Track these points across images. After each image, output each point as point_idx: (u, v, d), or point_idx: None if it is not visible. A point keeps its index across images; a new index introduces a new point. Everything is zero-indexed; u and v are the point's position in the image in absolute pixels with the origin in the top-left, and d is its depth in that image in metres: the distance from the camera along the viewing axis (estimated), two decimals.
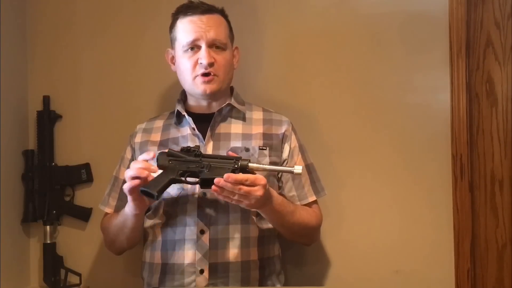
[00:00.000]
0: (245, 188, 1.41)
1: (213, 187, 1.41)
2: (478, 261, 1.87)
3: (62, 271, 1.93)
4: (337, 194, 1.88)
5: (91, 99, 1.98)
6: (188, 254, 1.56)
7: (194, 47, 1.60)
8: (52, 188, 1.93)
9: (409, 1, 1.88)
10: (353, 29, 1.91)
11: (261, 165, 1.48)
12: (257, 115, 1.71)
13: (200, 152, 1.50)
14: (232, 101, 1.68)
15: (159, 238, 1.61)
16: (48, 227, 1.93)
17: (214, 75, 1.60)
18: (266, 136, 1.65)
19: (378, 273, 1.87)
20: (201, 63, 1.59)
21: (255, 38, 1.94)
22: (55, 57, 1.99)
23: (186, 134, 1.65)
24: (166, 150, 1.53)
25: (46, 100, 1.96)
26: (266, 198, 1.48)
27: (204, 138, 1.63)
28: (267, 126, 1.68)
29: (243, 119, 1.68)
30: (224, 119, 1.67)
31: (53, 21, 1.99)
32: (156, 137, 1.68)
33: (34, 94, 1.97)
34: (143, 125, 1.74)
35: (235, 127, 1.66)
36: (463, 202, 1.84)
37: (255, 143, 1.63)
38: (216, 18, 1.62)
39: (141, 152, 1.66)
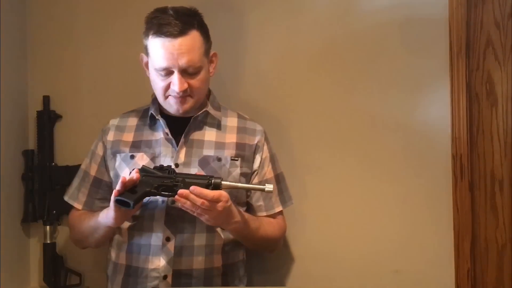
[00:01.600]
0: (207, 203, 1.42)
1: (176, 196, 1.42)
2: (478, 261, 1.87)
3: (62, 271, 1.93)
4: (337, 193, 1.88)
5: (91, 99, 1.98)
6: (152, 260, 1.57)
7: (166, 72, 1.56)
8: (52, 188, 1.93)
9: (409, 2, 1.88)
10: (352, 29, 1.91)
11: (234, 183, 1.49)
12: (231, 122, 1.69)
13: (174, 170, 1.50)
14: (209, 108, 1.66)
15: (126, 240, 1.61)
16: (48, 227, 1.93)
17: (188, 96, 1.59)
18: (239, 146, 1.65)
19: (378, 273, 1.87)
20: (173, 89, 1.56)
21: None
22: (55, 57, 1.99)
23: (159, 138, 1.64)
24: (140, 167, 1.52)
25: (46, 100, 1.96)
26: (227, 216, 1.48)
27: (177, 143, 1.62)
28: (240, 135, 1.67)
29: (218, 127, 1.67)
30: (198, 126, 1.66)
31: (53, 21, 1.99)
32: (129, 137, 1.67)
33: (34, 94, 1.97)
34: (116, 121, 1.72)
35: (209, 134, 1.65)
36: (463, 202, 1.84)
37: (228, 153, 1.63)
38: (189, 39, 1.53)
39: (112, 152, 1.67)
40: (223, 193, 1.44)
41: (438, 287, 1.86)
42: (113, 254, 1.65)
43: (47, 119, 1.94)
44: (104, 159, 1.69)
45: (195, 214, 1.46)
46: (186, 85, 1.56)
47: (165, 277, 1.56)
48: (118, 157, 1.65)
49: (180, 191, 1.42)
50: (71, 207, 1.98)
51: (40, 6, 1.99)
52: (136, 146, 1.65)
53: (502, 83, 1.87)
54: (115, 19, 1.98)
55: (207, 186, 1.45)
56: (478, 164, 1.88)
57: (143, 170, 1.50)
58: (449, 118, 1.85)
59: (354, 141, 1.90)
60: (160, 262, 1.56)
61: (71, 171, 1.94)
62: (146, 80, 1.94)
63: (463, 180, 1.85)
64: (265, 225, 1.64)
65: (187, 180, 1.46)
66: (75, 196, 1.71)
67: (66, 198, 1.74)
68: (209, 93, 1.72)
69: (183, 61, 1.53)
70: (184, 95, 1.58)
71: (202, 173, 1.54)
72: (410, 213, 1.87)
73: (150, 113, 1.66)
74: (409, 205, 1.87)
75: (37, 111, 1.95)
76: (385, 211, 1.88)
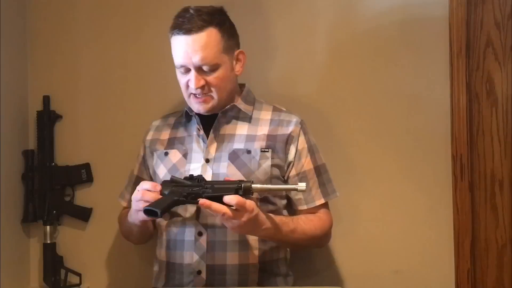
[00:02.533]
0: (229, 213, 1.39)
1: (200, 202, 1.40)
2: (478, 261, 1.87)
3: (62, 271, 1.93)
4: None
5: (91, 99, 1.98)
6: (186, 255, 1.57)
7: (185, 69, 1.57)
8: (52, 188, 1.93)
9: (410, 2, 1.88)
10: (355, 30, 1.91)
11: (265, 186, 1.47)
12: (265, 115, 1.68)
13: (204, 178, 1.48)
14: (238, 102, 1.65)
15: (164, 237, 1.63)
16: (48, 227, 1.92)
17: (207, 94, 1.58)
18: (270, 137, 1.63)
19: (378, 273, 1.87)
20: (190, 86, 1.57)
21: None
22: (55, 57, 1.99)
23: (192, 134, 1.66)
24: (169, 179, 1.51)
25: (46, 100, 1.95)
26: (254, 225, 1.45)
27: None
28: (273, 127, 1.65)
29: (249, 120, 1.66)
30: (229, 120, 1.65)
31: (53, 21, 1.99)
32: (165, 135, 1.70)
33: (34, 94, 1.97)
34: (157, 122, 1.76)
35: (240, 128, 1.65)
36: (463, 202, 1.84)
37: (258, 145, 1.61)
38: (203, 36, 1.53)
39: (151, 150, 1.69)
40: (247, 202, 1.40)
41: (438, 287, 1.86)
42: (157, 252, 1.67)
43: (47, 119, 1.94)
44: (144, 158, 1.73)
45: (219, 218, 1.44)
46: (202, 82, 1.56)
47: (199, 272, 1.55)
48: (155, 155, 1.68)
49: (201, 201, 1.39)
50: (70, 207, 1.99)
51: (40, 6, 1.99)
52: (170, 143, 1.67)
53: (502, 83, 1.87)
54: (115, 19, 1.98)
55: (236, 191, 1.41)
56: (478, 164, 1.87)
57: (172, 181, 1.49)
58: (449, 118, 1.85)
59: (352, 141, 1.90)
60: (193, 257, 1.55)
61: (71, 171, 1.95)
62: (146, 80, 1.95)
63: (463, 180, 1.85)
64: (303, 225, 1.57)
65: (216, 186, 1.44)
66: (123, 195, 1.76)
67: (117, 198, 1.78)
68: (242, 88, 1.70)
69: (196, 59, 1.53)
70: (204, 95, 1.58)
71: (230, 179, 1.50)
72: (410, 213, 1.87)
73: (185, 110, 1.68)
74: (409, 205, 1.87)
75: (37, 111, 1.95)
76: (385, 211, 1.88)
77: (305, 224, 1.59)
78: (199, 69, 1.55)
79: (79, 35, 1.99)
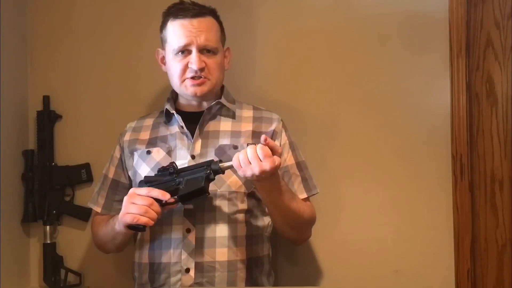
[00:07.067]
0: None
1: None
2: (478, 261, 1.87)
3: (62, 271, 1.93)
4: (337, 193, 1.88)
5: (91, 99, 1.99)
6: (174, 253, 1.56)
7: (184, 51, 1.60)
8: (52, 188, 1.93)
9: (409, 1, 1.88)
10: (352, 29, 1.91)
11: (230, 162, 1.46)
12: (247, 113, 1.70)
13: (174, 168, 1.51)
14: (222, 100, 1.68)
15: (147, 238, 1.61)
16: (48, 227, 1.93)
17: (205, 78, 1.61)
18: (255, 134, 1.65)
19: (377, 273, 1.87)
20: (191, 68, 1.59)
21: (250, 37, 1.94)
22: (55, 57, 1.99)
23: (174, 132, 1.66)
24: (143, 178, 1.55)
25: (46, 100, 1.96)
26: (276, 173, 1.47)
27: (192, 136, 1.63)
28: (256, 124, 1.67)
29: (233, 116, 1.68)
30: (213, 117, 1.67)
31: (53, 21, 1.99)
32: (145, 135, 1.69)
33: (34, 94, 1.97)
34: (133, 124, 1.75)
35: (224, 124, 1.66)
36: (463, 202, 1.84)
37: (244, 141, 1.63)
38: (207, 21, 1.61)
39: (130, 151, 1.67)
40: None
41: (438, 287, 1.86)
42: (136, 255, 1.64)
43: (47, 119, 1.95)
44: (121, 160, 1.71)
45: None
46: (203, 64, 1.59)
47: (187, 270, 1.54)
48: (136, 155, 1.66)
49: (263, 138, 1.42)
50: (70, 207, 1.98)
51: (40, 6, 1.99)
52: (152, 142, 1.67)
53: (502, 83, 1.87)
54: (115, 19, 1.99)
55: (207, 176, 1.45)
56: (478, 164, 1.88)
57: (147, 181, 1.51)
58: (449, 118, 1.85)
59: (352, 141, 1.90)
60: (181, 255, 1.55)
61: (71, 171, 1.95)
62: (147, 80, 1.95)
63: (463, 180, 1.85)
64: (298, 201, 1.60)
65: (188, 178, 1.47)
66: (95, 200, 1.73)
67: (88, 204, 1.75)
68: (222, 89, 1.73)
69: (201, 38, 1.58)
70: (200, 78, 1.60)
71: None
72: (410, 213, 1.87)
73: (165, 109, 1.68)
74: (409, 204, 1.87)
75: (37, 111, 1.95)
76: (385, 211, 1.88)
77: (300, 202, 1.62)
78: (201, 51, 1.59)
79: (79, 35, 1.99)
